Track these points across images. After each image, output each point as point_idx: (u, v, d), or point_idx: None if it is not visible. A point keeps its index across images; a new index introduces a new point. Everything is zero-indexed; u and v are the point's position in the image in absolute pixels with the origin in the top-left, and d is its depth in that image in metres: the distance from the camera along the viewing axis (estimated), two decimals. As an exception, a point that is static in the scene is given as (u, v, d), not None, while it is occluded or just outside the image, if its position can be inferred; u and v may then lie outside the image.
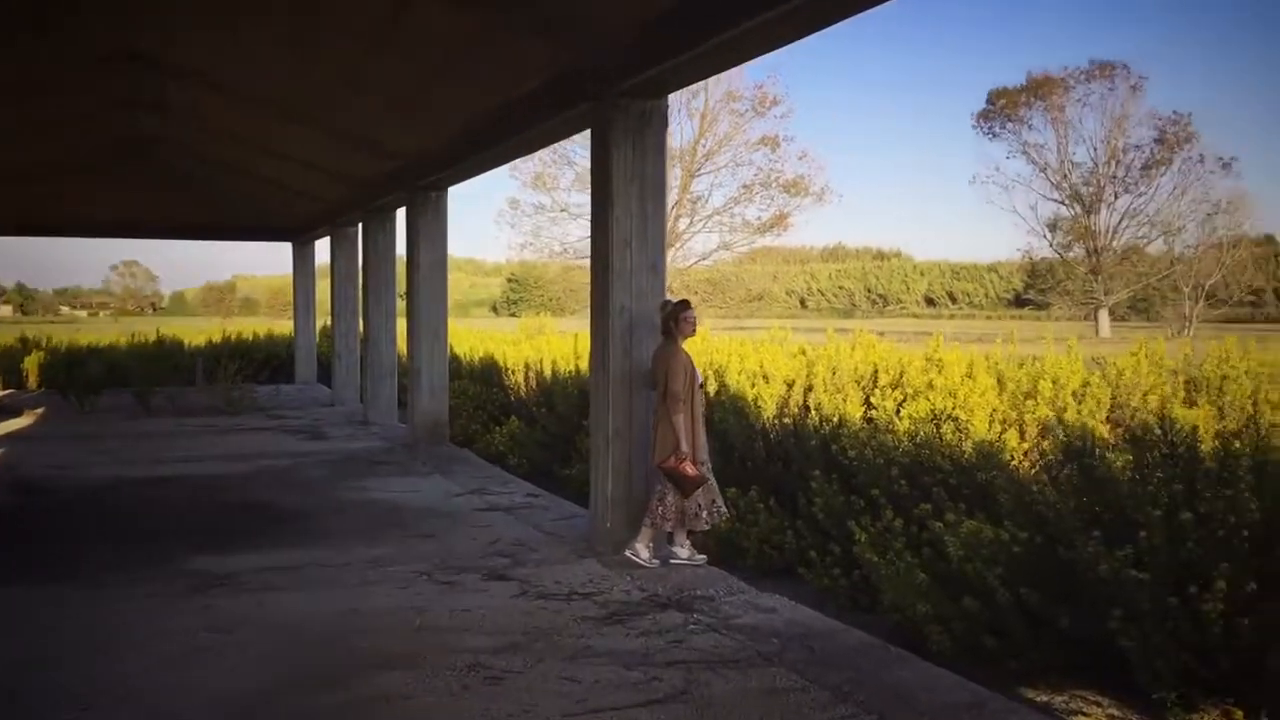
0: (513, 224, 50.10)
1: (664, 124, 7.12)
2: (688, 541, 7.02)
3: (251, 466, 11.28)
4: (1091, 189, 55.85)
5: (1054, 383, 7.27)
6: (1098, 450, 5.68)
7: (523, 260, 65.97)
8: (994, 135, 57.26)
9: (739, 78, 46.02)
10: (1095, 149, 55.11)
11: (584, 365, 12.94)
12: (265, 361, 24.14)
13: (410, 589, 6.35)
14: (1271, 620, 4.39)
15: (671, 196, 45.91)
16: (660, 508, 6.86)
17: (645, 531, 6.95)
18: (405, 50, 8.55)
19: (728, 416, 8.98)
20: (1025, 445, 7.02)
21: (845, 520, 7.23)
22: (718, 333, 16.37)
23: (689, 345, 7.12)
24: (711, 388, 9.86)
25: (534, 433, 12.84)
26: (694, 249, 48.67)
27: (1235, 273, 56.67)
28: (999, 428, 7.03)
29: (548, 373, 13.82)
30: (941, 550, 6.30)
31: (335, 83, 9.98)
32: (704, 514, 6.87)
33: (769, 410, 8.81)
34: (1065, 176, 56.13)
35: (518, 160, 46.91)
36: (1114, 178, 55.54)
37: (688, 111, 46.09)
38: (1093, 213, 56.13)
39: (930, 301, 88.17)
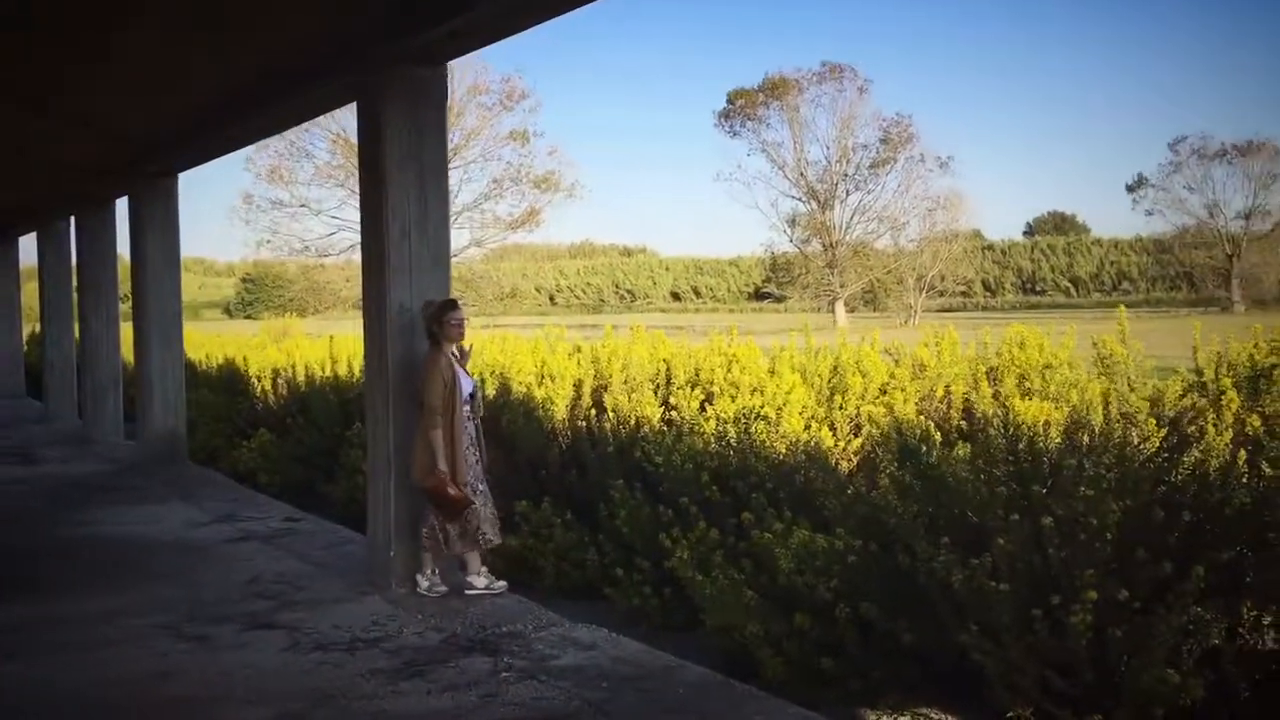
0: (247, 220, 47.04)
1: (444, 97, 6.29)
2: (483, 567, 6.23)
3: (-56, 501, 9.56)
4: (826, 186, 58.37)
5: (863, 376, 6.95)
6: (931, 448, 5.32)
7: (259, 259, 62.41)
8: (735, 134, 58.93)
9: (485, 71, 45.15)
10: (828, 148, 57.62)
11: (343, 371, 11.84)
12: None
13: (154, 648, 5.26)
14: (1144, 631, 4.10)
15: (418, 192, 44.42)
16: (428, 531, 6.06)
17: (425, 557, 6.12)
18: (134, 7, 7.27)
19: (516, 419, 8.23)
20: (841, 444, 6.65)
21: (653, 533, 6.65)
22: (476, 332, 15.52)
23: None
24: (492, 389, 9.07)
25: (288, 446, 11.60)
26: (443, 246, 47.22)
27: (951, 265, 60.60)
28: (816, 426, 6.63)
29: (300, 379, 12.58)
30: (764, 563, 5.82)
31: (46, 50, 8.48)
32: (486, 533, 6.10)
33: (560, 412, 8.12)
34: (802, 174, 58.42)
35: (252, 153, 44.23)
36: (846, 175, 58.25)
37: (434, 104, 44.69)
38: (827, 209, 58.68)
39: (676, 296, 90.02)
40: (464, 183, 46.55)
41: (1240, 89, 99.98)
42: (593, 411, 8.28)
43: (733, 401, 6.87)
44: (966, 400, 6.90)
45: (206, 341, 19.68)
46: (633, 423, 7.68)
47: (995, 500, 4.73)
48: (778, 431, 6.76)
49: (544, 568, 7.29)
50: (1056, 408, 5.23)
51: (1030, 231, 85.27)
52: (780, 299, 69.89)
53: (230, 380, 14.83)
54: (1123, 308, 6.41)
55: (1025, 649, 4.42)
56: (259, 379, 13.88)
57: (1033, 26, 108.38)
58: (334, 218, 46.88)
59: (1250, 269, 60.33)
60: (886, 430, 5.71)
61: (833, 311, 56.78)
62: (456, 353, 6.10)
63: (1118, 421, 4.82)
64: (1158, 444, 4.73)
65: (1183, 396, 5.51)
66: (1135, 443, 4.61)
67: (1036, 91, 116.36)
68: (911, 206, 57.59)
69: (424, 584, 6.06)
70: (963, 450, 5.41)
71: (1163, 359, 7.71)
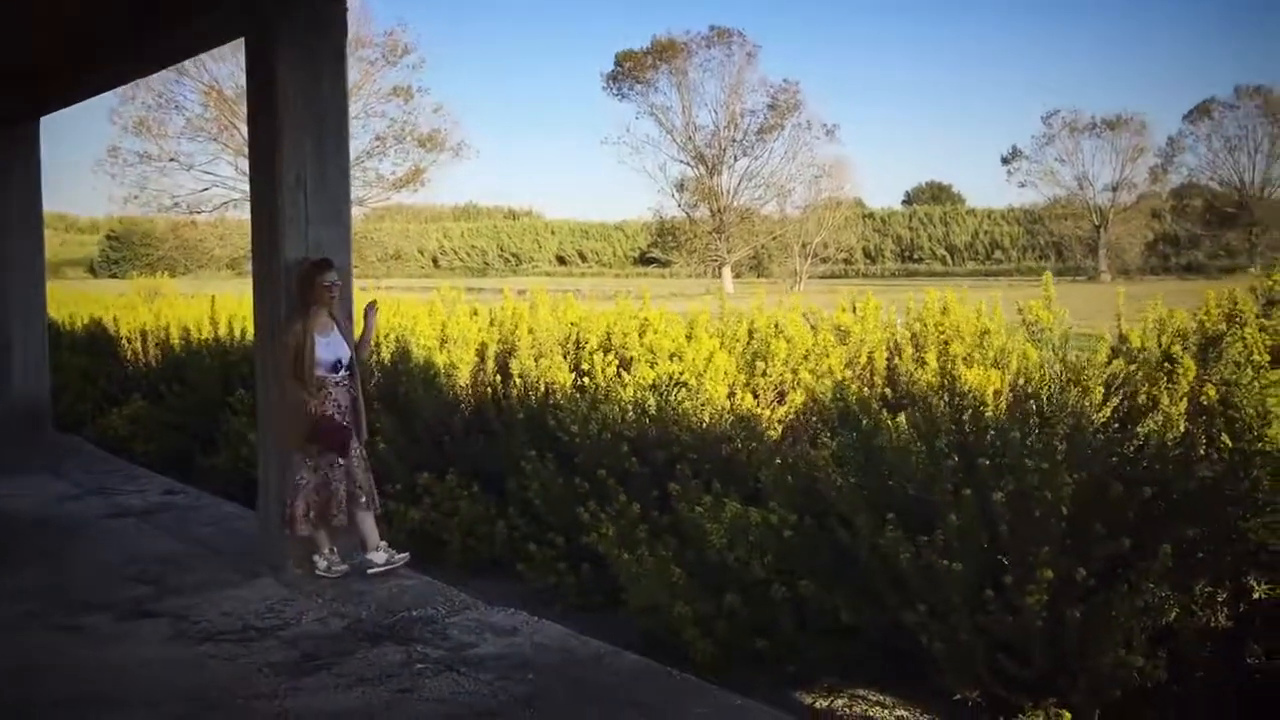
0: (113, 175, 44.65)
1: (344, 34, 5.75)
2: (383, 542, 5.79)
3: None
4: (714, 151, 58.38)
5: (788, 342, 6.68)
6: (870, 417, 5.06)
7: (126, 216, 59.56)
8: (623, 96, 58.53)
9: (367, 23, 43.66)
10: (716, 113, 57.60)
11: (224, 332, 11.12)
12: None
13: (18, 641, 4.69)
14: (1103, 611, 3.91)
15: (298, 147, 42.81)
16: (302, 502, 5.59)
17: (320, 535, 5.64)
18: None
19: (415, 387, 7.74)
20: (766, 412, 6.37)
21: (569, 506, 6.29)
22: (360, 295, 14.81)
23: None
24: (388, 354, 8.55)
25: (162, 413, 10.84)
26: (324, 204, 45.70)
27: (834, 233, 61.34)
28: (740, 394, 6.33)
29: (175, 341, 11.80)
30: (691, 539, 5.51)
31: None
32: (362, 497, 5.70)
33: (463, 378, 7.66)
34: (690, 139, 58.31)
35: (117, 104, 41.97)
36: (734, 141, 58.33)
37: (313, 56, 43.05)
38: (715, 174, 58.75)
39: (561, 260, 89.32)
40: (345, 139, 44.94)
41: (1110, 63, 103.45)
42: (498, 378, 7.85)
43: (651, 369, 6.53)
44: (892, 368, 6.69)
45: (70, 300, 18.49)
46: (542, 390, 7.28)
47: (941, 473, 4.49)
48: (699, 399, 6.44)
49: (450, 543, 6.86)
50: (999, 375, 5.01)
51: (909, 201, 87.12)
52: (666, 264, 69.90)
53: (98, 342, 13.89)
54: (1049, 274, 6.25)
55: (975, 630, 4.21)
56: (130, 341, 13.05)
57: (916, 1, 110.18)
58: (206, 173, 44.90)
59: (1115, 240, 62.62)
60: (823, 397, 5.43)
61: (719, 277, 56.94)
62: (336, 316, 5.60)
63: (1066, 389, 4.62)
64: (1108, 414, 4.55)
65: (1109, 364, 5.38)
66: (1087, 412, 4.41)
67: (918, 62, 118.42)
68: (798, 173, 58.05)
69: (322, 564, 5.59)
70: (903, 420, 5.18)
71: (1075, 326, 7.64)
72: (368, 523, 5.70)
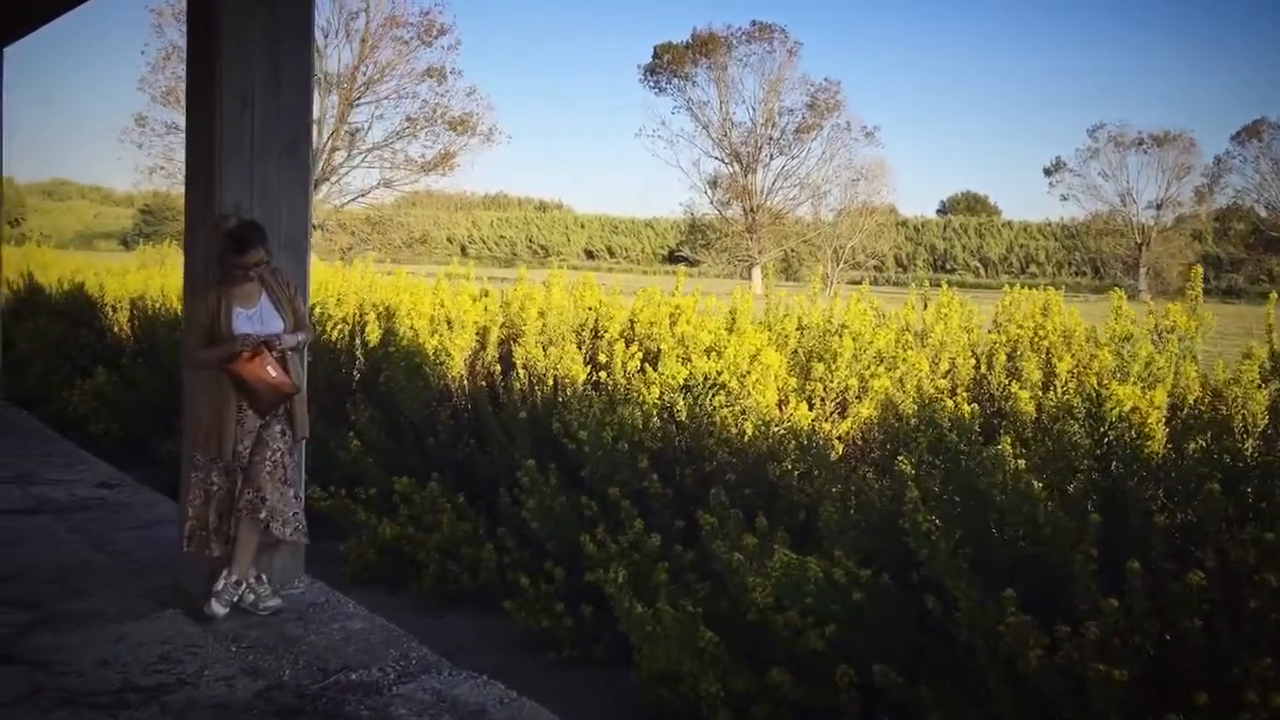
0: (140, 144, 43.67)
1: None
2: (265, 585, 4.39)
3: None
4: (749, 149, 57.09)
5: (854, 340, 5.38)
6: (969, 442, 3.77)
7: (154, 188, 58.76)
8: (660, 90, 57.35)
9: (404, 3, 42.62)
10: (754, 110, 56.27)
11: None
12: None
13: None
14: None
15: (328, 127, 41.86)
16: (191, 525, 4.34)
17: (239, 557, 4.34)
18: None
19: (397, 376, 6.50)
20: (827, 426, 5.09)
21: (572, 531, 5.03)
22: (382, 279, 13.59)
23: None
24: (374, 336, 7.32)
25: (124, 389, 9.65)
26: (352, 185, 44.82)
27: (868, 239, 59.88)
28: (794, 401, 5.05)
29: (154, 308, 10.63)
30: (723, 584, 4.25)
31: None
32: (276, 528, 4.32)
33: (457, 366, 6.42)
34: (726, 135, 57.03)
35: (146, 73, 41.11)
36: (770, 139, 56.99)
37: (346, 33, 42.09)
38: (750, 172, 57.44)
39: (590, 254, 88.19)
40: (375, 119, 43.99)
41: (1161, 80, 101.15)
42: (498, 367, 6.60)
43: (684, 365, 5.25)
44: (979, 379, 5.40)
45: (66, 263, 17.42)
46: (550, 384, 6.03)
47: (1083, 533, 3.19)
48: (740, 406, 5.17)
49: (425, 564, 5.62)
50: (1146, 393, 3.70)
51: (944, 210, 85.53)
52: (694, 263, 68.55)
53: (75, 308, 12.76)
54: (1198, 269, 4.94)
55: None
56: (114, 308, 11.93)
57: (967, 6, 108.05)
58: (233, 145, 43.78)
59: (1155, 259, 60.81)
60: (907, 411, 4.14)
61: (749, 278, 55.56)
62: (270, 281, 4.29)
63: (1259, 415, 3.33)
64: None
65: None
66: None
67: (961, 71, 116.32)
68: (834, 175, 56.65)
69: (249, 597, 4.33)
70: (1006, 447, 3.90)
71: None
72: (247, 543, 4.29)
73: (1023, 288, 6.44)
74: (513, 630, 4.98)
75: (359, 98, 43.34)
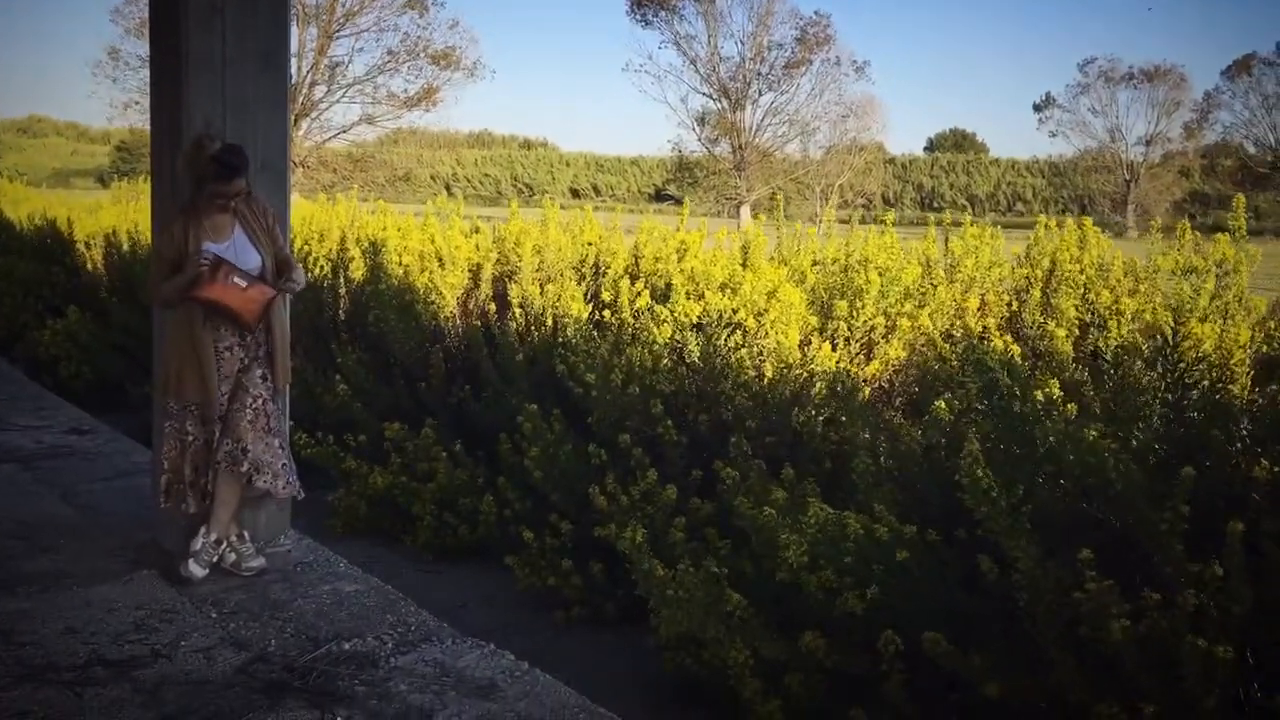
0: (114, 79, 42.42)
1: None
2: (247, 543, 4.02)
3: None
4: (738, 85, 56.10)
5: (881, 275, 5.00)
6: (1020, 386, 3.41)
7: (130, 124, 57.46)
8: (647, 23, 56.04)
9: (383, -69, 41.42)
10: (743, 44, 55.17)
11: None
12: None
13: None
14: None
15: (307, 60, 40.85)
16: (167, 479, 3.95)
17: (219, 514, 3.95)
18: None
19: (387, 315, 6.10)
20: (854, 368, 4.72)
21: (579, 481, 4.68)
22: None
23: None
24: (359, 272, 6.90)
25: (97, 329, 9.21)
26: (333, 121, 43.87)
27: (857, 176, 59.21)
28: (816, 343, 4.68)
29: (125, 245, 10.16)
30: (744, 539, 3.92)
31: None
32: (265, 482, 3.92)
33: (450, 305, 6.02)
34: (714, 70, 55.99)
35: (120, 4, 39.86)
36: (759, 74, 55.94)
37: (325, -39, 40.92)
38: (738, 109, 56.49)
39: (575, 193, 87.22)
40: (355, 53, 42.96)
41: (1152, 14, 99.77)
42: (493, 306, 6.21)
43: (699, 302, 4.86)
44: (1013, 315, 5.04)
45: (32, 199, 16.83)
46: (550, 324, 5.65)
47: (1162, 489, 2.84)
48: (759, 346, 4.80)
49: (421, 516, 5.27)
50: (1243, 330, 3.32)
51: (931, 148, 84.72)
52: (681, 201, 67.80)
53: (47, 245, 12.26)
54: (1240, 197, 4.56)
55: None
56: (87, 244, 11.47)
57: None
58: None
59: (1143, 196, 60.39)
60: (947, 351, 3.77)
61: (736, 216, 54.93)
62: (245, 212, 3.86)
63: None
64: None
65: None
66: None
67: (951, 3, 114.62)
68: (824, 111, 55.73)
69: (230, 556, 3.97)
70: (1054, 388, 3.55)
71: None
72: (227, 499, 3.90)
73: (1008, 226, 6.06)
74: (517, 590, 4.65)
75: (339, 30, 42.27)
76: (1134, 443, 3.12)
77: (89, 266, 11.16)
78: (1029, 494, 3.24)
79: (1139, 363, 3.21)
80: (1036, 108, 65.13)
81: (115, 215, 12.38)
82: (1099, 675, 2.93)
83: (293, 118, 3.81)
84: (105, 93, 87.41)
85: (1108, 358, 3.58)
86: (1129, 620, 2.68)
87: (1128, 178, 60.78)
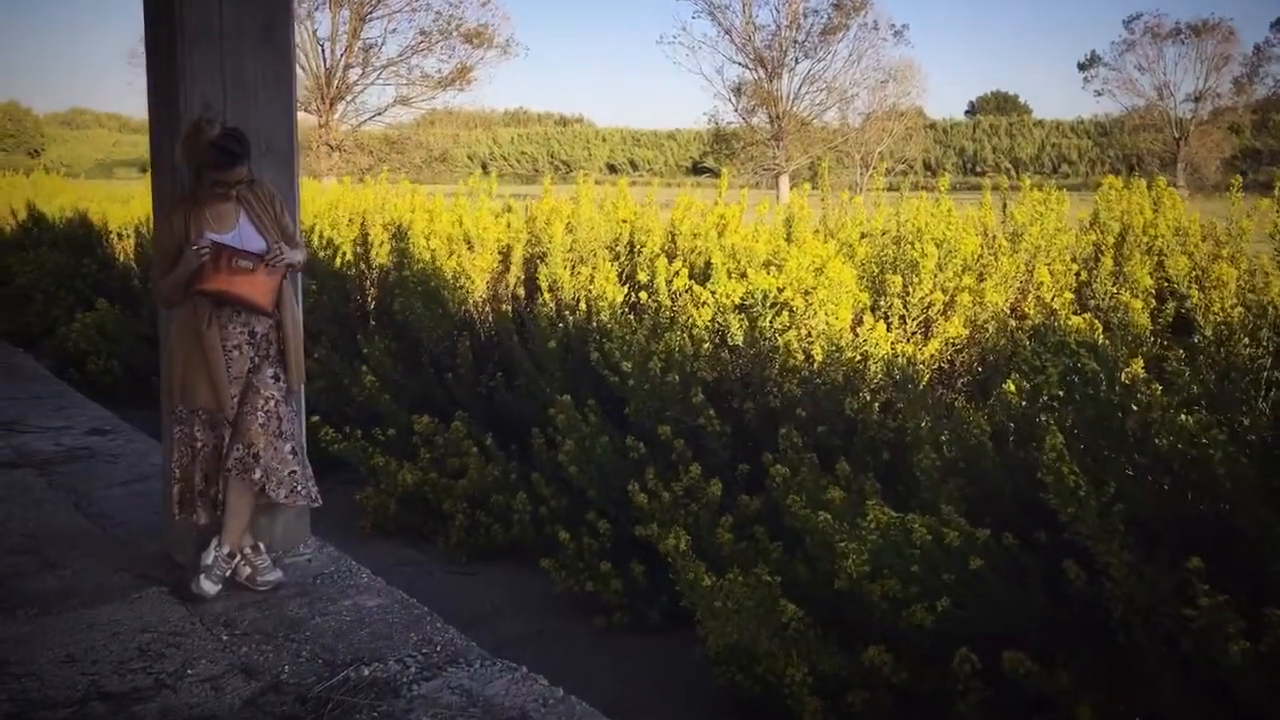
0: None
1: None
2: (262, 556, 3.77)
3: None
4: (774, 53, 55.21)
5: (938, 246, 4.63)
6: (1106, 368, 3.05)
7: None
8: (680, -9, 55.45)
9: (412, -93, 41.11)
10: (778, 11, 54.23)
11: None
12: None
13: None
14: None
15: (340, 44, 40.73)
16: (178, 488, 3.67)
17: (231, 525, 3.67)
18: None
19: (413, 303, 5.81)
20: (911, 350, 4.35)
21: (618, 476, 4.38)
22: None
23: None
24: (383, 256, 6.63)
25: (136, 322, 9.03)
26: (368, 104, 43.82)
27: (897, 143, 58.22)
28: (869, 322, 4.32)
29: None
30: (796, 539, 3.59)
31: None
32: (280, 491, 3.64)
33: (479, 290, 5.73)
34: (749, 39, 55.12)
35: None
36: (795, 42, 54.99)
37: (355, -57, 40.72)
38: (775, 78, 55.63)
39: (612, 169, 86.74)
40: (388, 34, 42.76)
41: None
42: (523, 291, 5.91)
43: (741, 281, 4.52)
44: (1081, 286, 4.65)
45: (67, 191, 16.75)
46: (583, 309, 5.33)
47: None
48: (807, 327, 4.45)
49: (452, 515, 4.99)
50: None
51: (972, 111, 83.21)
52: (718, 174, 67.16)
53: (80, 238, 12.14)
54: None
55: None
56: (119, 235, 11.36)
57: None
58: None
59: (1192, 154, 58.92)
60: (1018, 330, 3.41)
61: (775, 187, 54.21)
62: (249, 198, 3.56)
63: None
64: None
65: None
66: None
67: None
68: (862, 78, 54.66)
69: (244, 570, 3.70)
70: (1138, 370, 3.19)
71: None
72: (238, 509, 3.63)
73: (1057, 188, 5.63)
74: (554, 593, 4.36)
75: (371, 11, 42.09)
76: (1242, 432, 2.75)
77: (120, 258, 11.05)
78: (1120, 491, 2.88)
79: (1245, 339, 2.82)
80: (1081, 66, 63.51)
81: (147, 205, 12.22)
82: (1207, 698, 2.59)
83: (296, 80, 3.55)
84: (141, 82, 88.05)
85: (1207, 333, 3.20)
86: (1247, 641, 2.33)
87: (1177, 135, 59.22)
